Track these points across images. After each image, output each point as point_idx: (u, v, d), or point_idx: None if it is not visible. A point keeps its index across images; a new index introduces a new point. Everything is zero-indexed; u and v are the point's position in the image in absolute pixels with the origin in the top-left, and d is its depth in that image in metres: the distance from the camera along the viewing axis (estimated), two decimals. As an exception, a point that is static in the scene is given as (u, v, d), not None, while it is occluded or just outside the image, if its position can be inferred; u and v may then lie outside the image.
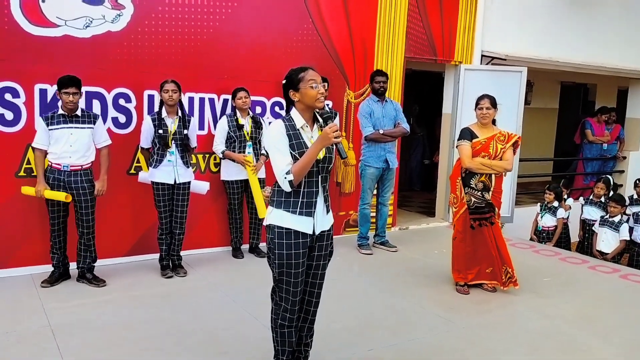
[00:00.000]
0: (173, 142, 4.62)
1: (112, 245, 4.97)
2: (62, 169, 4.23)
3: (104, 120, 4.77)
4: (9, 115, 4.44)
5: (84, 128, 4.29)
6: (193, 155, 5.02)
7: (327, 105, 2.82)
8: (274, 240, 2.74)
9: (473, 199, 4.48)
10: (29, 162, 4.51)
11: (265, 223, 2.80)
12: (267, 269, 2.91)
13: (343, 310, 4.09)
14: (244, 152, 5.15)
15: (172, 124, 4.62)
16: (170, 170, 4.64)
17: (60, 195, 4.18)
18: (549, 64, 7.94)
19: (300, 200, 2.72)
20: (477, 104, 4.58)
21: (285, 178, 2.64)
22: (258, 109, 5.60)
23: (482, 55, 7.22)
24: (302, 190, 2.72)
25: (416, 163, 10.13)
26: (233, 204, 5.30)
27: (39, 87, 4.51)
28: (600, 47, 8.52)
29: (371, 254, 5.69)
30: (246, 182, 5.21)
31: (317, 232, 2.79)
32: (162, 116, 4.61)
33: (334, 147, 2.73)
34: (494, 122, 4.63)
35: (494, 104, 4.53)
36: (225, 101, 5.43)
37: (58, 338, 3.47)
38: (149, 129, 4.63)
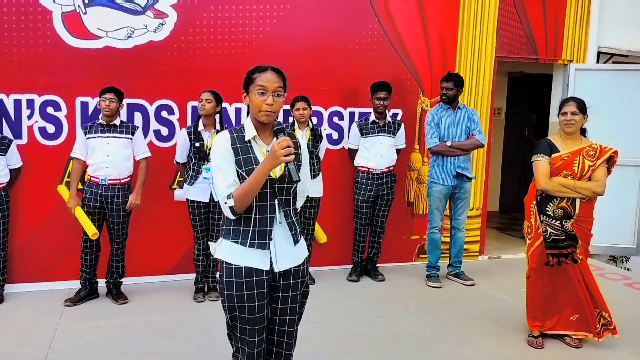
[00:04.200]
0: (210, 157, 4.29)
1: (154, 262, 4.77)
2: (100, 182, 4.11)
3: (146, 134, 4.62)
4: (51, 129, 4.45)
5: (122, 138, 4.17)
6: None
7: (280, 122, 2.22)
8: (222, 278, 2.20)
9: (549, 230, 3.52)
10: (70, 175, 4.47)
11: (214, 256, 2.28)
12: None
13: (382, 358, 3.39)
14: None
15: (208, 138, 4.30)
16: (206, 188, 4.30)
17: (90, 228, 4.06)
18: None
19: (251, 229, 2.17)
20: (560, 108, 3.64)
21: (226, 203, 2.11)
22: (314, 120, 5.08)
23: (599, 52, 5.99)
24: (253, 216, 2.16)
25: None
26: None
27: (80, 99, 4.47)
28: None
29: (440, 286, 4.85)
30: (312, 200, 4.78)
31: (278, 269, 2.21)
32: (199, 129, 4.31)
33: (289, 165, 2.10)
34: (584, 132, 3.64)
35: (582, 108, 3.55)
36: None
37: (50, 364, 3.26)
38: (184, 143, 4.35)
